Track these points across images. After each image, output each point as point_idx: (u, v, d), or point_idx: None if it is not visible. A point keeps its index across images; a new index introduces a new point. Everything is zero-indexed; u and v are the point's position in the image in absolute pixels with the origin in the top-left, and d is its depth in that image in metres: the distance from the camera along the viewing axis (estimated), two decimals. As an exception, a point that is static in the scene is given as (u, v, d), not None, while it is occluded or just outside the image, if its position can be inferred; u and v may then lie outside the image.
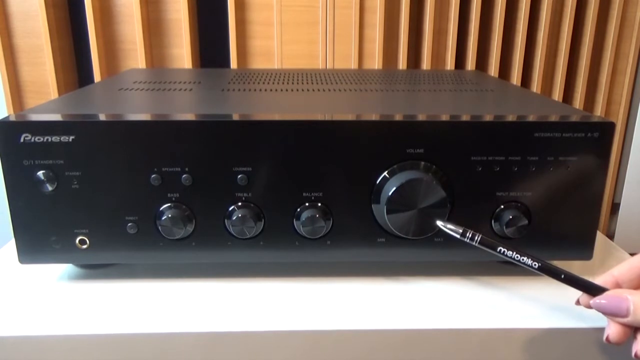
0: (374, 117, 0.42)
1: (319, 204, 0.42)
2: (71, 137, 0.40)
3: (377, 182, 0.42)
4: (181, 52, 0.89)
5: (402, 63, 0.91)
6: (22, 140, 0.39)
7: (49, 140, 0.40)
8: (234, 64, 0.89)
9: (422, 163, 0.41)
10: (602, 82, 0.96)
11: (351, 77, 0.68)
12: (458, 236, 0.40)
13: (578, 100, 0.96)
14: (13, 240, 0.42)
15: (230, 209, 0.42)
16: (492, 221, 0.43)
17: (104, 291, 0.44)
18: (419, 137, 0.41)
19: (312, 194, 0.42)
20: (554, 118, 0.42)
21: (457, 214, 0.42)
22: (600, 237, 0.52)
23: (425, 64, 0.91)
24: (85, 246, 0.42)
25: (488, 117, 0.42)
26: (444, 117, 0.42)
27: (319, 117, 0.41)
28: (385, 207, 0.40)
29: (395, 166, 0.41)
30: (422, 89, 0.59)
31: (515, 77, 0.93)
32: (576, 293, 0.39)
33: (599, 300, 0.36)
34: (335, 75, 0.69)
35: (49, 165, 0.40)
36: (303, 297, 0.43)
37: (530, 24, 0.92)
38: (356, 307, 0.42)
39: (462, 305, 0.42)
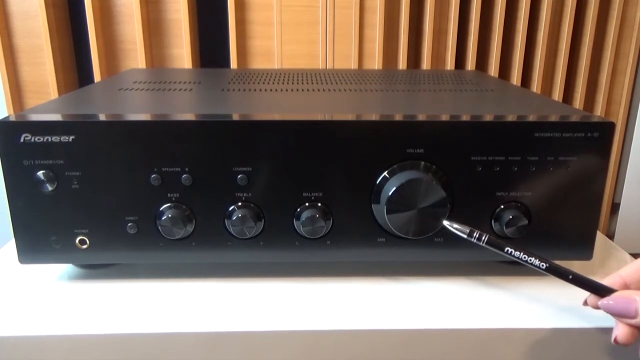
0: (374, 117, 0.42)
1: (319, 204, 0.42)
2: (71, 137, 0.40)
3: (377, 182, 0.42)
4: (181, 52, 0.89)
5: (402, 63, 0.91)
6: (22, 140, 0.39)
7: (49, 140, 0.40)
8: (234, 64, 0.89)
9: (422, 163, 0.41)
10: (602, 82, 0.96)
11: (351, 77, 0.68)
12: (465, 236, 0.40)
13: (578, 100, 0.96)
14: (13, 240, 0.42)
15: (230, 209, 0.42)
16: (492, 221, 0.43)
17: (104, 291, 0.44)
18: (419, 137, 0.41)
19: (312, 194, 0.42)
20: (554, 118, 0.42)
21: (457, 214, 0.42)
22: (600, 237, 0.52)
23: (425, 64, 0.91)
24: (85, 246, 0.42)
25: (488, 117, 0.42)
26: (444, 117, 0.42)
27: (319, 117, 0.41)
28: (385, 207, 0.40)
29: (395, 166, 0.41)
30: (422, 89, 0.59)
31: (515, 77, 0.93)
32: (582, 293, 0.38)
33: (607, 301, 0.36)
34: (335, 75, 0.69)
35: (49, 165, 0.40)
36: (303, 297, 0.43)
37: (530, 24, 0.92)
38: (356, 307, 0.42)
39: (462, 305, 0.42)
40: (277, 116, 0.41)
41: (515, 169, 0.42)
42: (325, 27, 0.89)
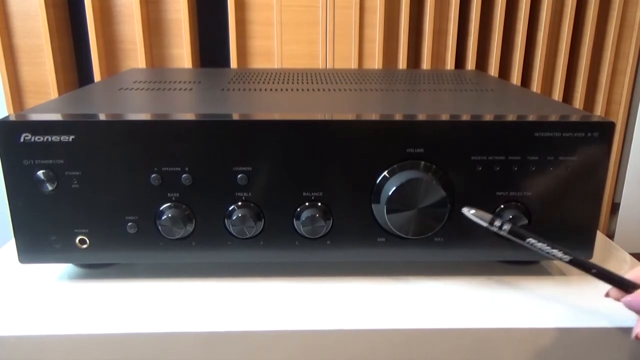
0: (374, 117, 0.42)
1: (319, 204, 0.42)
2: (71, 137, 0.40)
3: (377, 181, 0.42)
4: (181, 52, 0.89)
5: (402, 63, 0.91)
6: (22, 140, 0.39)
7: (49, 140, 0.40)
8: (234, 64, 0.89)
9: (422, 163, 0.41)
10: (602, 82, 0.96)
11: (351, 77, 0.68)
12: (485, 224, 0.38)
13: (578, 100, 0.96)
14: (13, 240, 0.42)
15: (230, 208, 0.42)
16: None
17: (104, 291, 0.44)
18: (419, 136, 0.41)
19: (312, 193, 0.42)
20: (554, 118, 0.42)
21: (457, 213, 0.42)
22: (600, 236, 0.52)
23: (425, 64, 0.91)
24: (85, 246, 0.42)
25: (488, 117, 0.42)
26: (444, 117, 0.42)
27: (319, 117, 0.41)
28: (385, 206, 0.40)
29: (395, 166, 0.41)
30: (422, 88, 0.59)
31: (515, 77, 0.93)
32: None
33: (630, 298, 0.35)
34: (335, 75, 0.69)
35: (49, 165, 0.40)
36: (303, 297, 0.43)
37: (530, 24, 0.92)
38: (356, 307, 0.42)
39: (462, 305, 0.42)
40: (277, 116, 0.41)
41: (515, 168, 0.42)
42: (325, 27, 0.89)
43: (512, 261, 0.47)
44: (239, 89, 0.56)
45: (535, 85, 0.94)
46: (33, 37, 0.86)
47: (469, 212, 0.39)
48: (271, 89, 0.56)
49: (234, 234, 0.42)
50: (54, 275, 0.46)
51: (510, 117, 0.42)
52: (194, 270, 0.46)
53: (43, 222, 0.41)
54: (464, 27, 0.92)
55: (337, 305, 0.42)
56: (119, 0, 0.87)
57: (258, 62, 0.91)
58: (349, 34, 0.89)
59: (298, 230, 0.43)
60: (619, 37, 0.94)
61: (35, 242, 0.42)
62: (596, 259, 0.46)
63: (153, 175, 0.41)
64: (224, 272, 0.46)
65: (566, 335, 0.40)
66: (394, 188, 0.40)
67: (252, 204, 0.42)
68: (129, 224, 0.42)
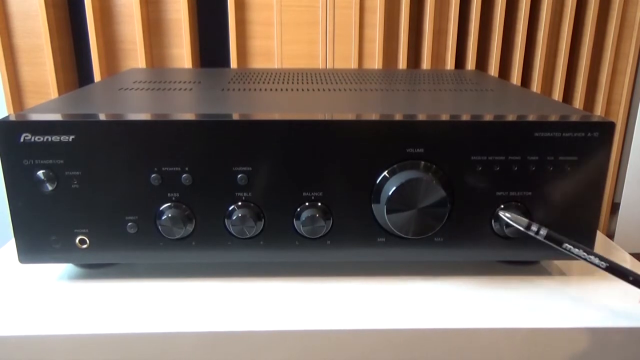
0: (374, 117, 0.42)
1: (319, 204, 0.42)
2: (71, 137, 0.40)
3: (377, 181, 0.42)
4: (181, 52, 0.89)
5: (402, 63, 0.91)
6: (22, 140, 0.39)
7: (49, 140, 0.40)
8: (234, 64, 0.89)
9: (422, 163, 0.41)
10: (602, 82, 0.96)
11: (351, 77, 0.68)
12: (522, 228, 0.39)
13: (578, 100, 0.96)
14: (13, 240, 0.42)
15: (230, 208, 0.42)
16: (492, 221, 0.43)
17: (104, 291, 0.44)
18: (419, 136, 0.41)
19: (312, 193, 0.42)
20: (554, 118, 0.42)
21: (457, 213, 0.43)
22: (600, 236, 0.52)
23: (425, 64, 0.91)
24: (85, 246, 0.42)
25: (488, 117, 0.42)
26: (444, 117, 0.42)
27: (319, 117, 0.41)
28: (385, 206, 0.40)
29: (395, 166, 0.41)
30: (422, 88, 0.59)
31: (515, 77, 0.93)
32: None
33: None
34: (335, 75, 0.69)
35: (49, 165, 0.40)
36: (303, 297, 0.43)
37: (530, 24, 0.92)
38: (356, 307, 0.42)
39: (462, 305, 0.42)
40: (277, 116, 0.41)
41: (515, 168, 0.42)
42: (325, 27, 0.89)
43: (512, 261, 0.47)
44: (239, 89, 0.56)
45: (535, 85, 0.94)
46: (33, 37, 0.86)
47: (505, 215, 0.40)
48: (271, 89, 0.56)
49: (234, 234, 0.42)
50: (54, 275, 0.46)
51: (510, 117, 0.42)
52: (194, 270, 0.46)
53: (43, 222, 0.41)
54: (464, 27, 0.92)
55: (337, 305, 0.42)
56: (119, 0, 0.87)
57: (258, 62, 0.91)
58: (349, 34, 0.89)
59: (298, 230, 0.43)
60: (619, 37, 0.94)
61: (35, 242, 0.42)
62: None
63: (153, 175, 0.41)
64: (224, 272, 0.46)
65: (566, 336, 0.40)
66: (394, 188, 0.40)
67: (252, 204, 0.42)
68: (129, 224, 0.42)
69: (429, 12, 0.88)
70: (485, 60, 0.94)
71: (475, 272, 0.47)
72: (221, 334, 0.39)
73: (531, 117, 0.42)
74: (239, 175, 0.41)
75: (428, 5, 0.88)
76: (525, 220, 0.39)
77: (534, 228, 0.38)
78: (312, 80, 0.64)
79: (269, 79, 0.64)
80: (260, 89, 0.56)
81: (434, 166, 0.41)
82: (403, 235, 0.41)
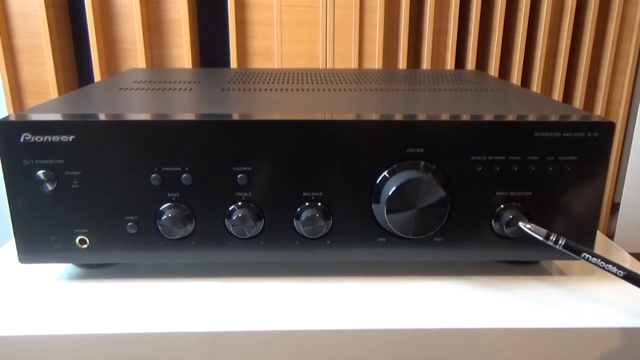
0: (374, 117, 0.42)
1: (319, 204, 0.42)
2: (71, 137, 0.40)
3: (377, 181, 0.42)
4: (181, 52, 0.89)
5: (402, 63, 0.91)
6: (22, 140, 0.39)
7: (49, 140, 0.40)
8: (234, 64, 0.89)
9: (422, 163, 0.41)
10: (602, 82, 0.96)
11: (351, 77, 0.68)
12: (541, 238, 0.40)
13: (578, 100, 0.96)
14: (13, 240, 0.42)
15: (230, 208, 0.42)
16: (492, 221, 0.43)
17: (104, 291, 0.44)
18: (419, 136, 0.41)
19: (312, 193, 0.42)
20: (554, 118, 0.42)
21: (457, 213, 0.43)
22: (600, 237, 0.52)
23: (425, 64, 0.91)
24: (85, 246, 0.42)
25: (488, 117, 0.42)
26: (444, 117, 0.42)
27: (319, 117, 0.41)
28: (385, 206, 0.40)
29: (395, 166, 0.41)
30: (422, 88, 0.59)
31: (515, 77, 0.93)
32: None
33: None
34: (335, 75, 0.69)
35: (49, 165, 0.40)
36: (303, 297, 0.43)
37: (530, 24, 0.92)
38: (356, 307, 0.42)
39: (462, 305, 0.42)
40: (277, 116, 0.41)
41: (515, 168, 0.42)
42: (325, 27, 0.89)
43: (512, 261, 0.47)
44: (239, 89, 0.56)
45: (535, 85, 0.94)
46: (33, 37, 0.86)
47: (525, 227, 0.41)
48: (271, 89, 0.56)
49: (234, 234, 0.42)
50: (54, 275, 0.46)
51: (510, 117, 0.42)
52: (194, 270, 0.46)
53: (43, 222, 0.41)
54: (464, 27, 0.92)
55: (337, 305, 0.42)
56: (119, 0, 0.87)
57: (258, 62, 0.91)
58: (349, 34, 0.89)
59: (298, 230, 0.43)
60: (619, 37, 0.94)
61: (35, 242, 0.42)
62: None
63: (153, 175, 0.41)
64: (224, 272, 0.46)
65: (566, 336, 0.40)
66: (394, 188, 0.40)
67: (252, 204, 0.42)
68: (129, 224, 0.42)
69: (429, 12, 0.88)
70: (485, 60, 0.94)
71: (475, 272, 0.47)
72: (221, 334, 0.39)
73: (531, 117, 0.42)
74: (239, 175, 0.41)
75: (428, 5, 0.88)
76: (544, 231, 0.40)
77: (553, 238, 0.40)
78: (312, 80, 0.64)
79: (269, 79, 0.64)
80: (260, 89, 0.56)
81: (434, 166, 0.41)
82: (403, 235, 0.41)
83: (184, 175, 0.41)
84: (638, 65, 0.96)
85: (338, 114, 0.43)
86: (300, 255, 0.44)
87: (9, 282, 0.45)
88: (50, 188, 0.41)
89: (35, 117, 0.40)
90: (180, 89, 0.55)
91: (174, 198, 0.42)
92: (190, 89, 0.55)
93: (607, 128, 0.41)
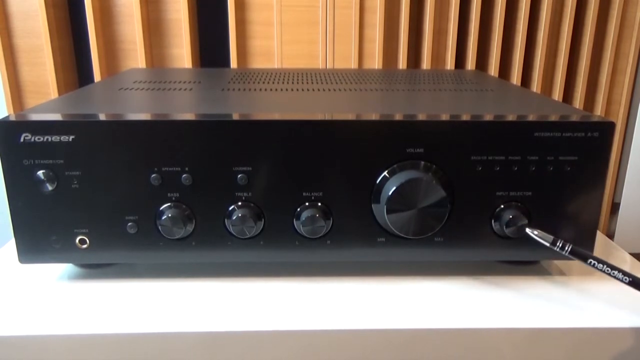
0: (374, 116, 0.42)
1: (319, 204, 0.42)
2: (71, 137, 0.40)
3: (377, 181, 0.42)
4: (181, 52, 0.89)
5: (402, 63, 0.91)
6: (22, 140, 0.39)
7: (49, 140, 0.40)
8: (234, 63, 0.89)
9: (422, 163, 0.41)
10: (602, 82, 0.96)
11: (351, 77, 0.68)
12: (548, 244, 0.40)
13: (578, 100, 0.96)
14: (13, 240, 0.42)
15: (230, 208, 0.42)
16: (492, 221, 0.43)
17: (104, 291, 0.44)
18: (419, 136, 0.41)
19: (312, 193, 0.42)
20: (554, 118, 0.42)
21: (457, 213, 0.43)
22: (600, 237, 0.52)
23: (425, 64, 0.91)
24: (85, 246, 0.42)
25: (488, 117, 0.42)
26: (444, 117, 0.42)
27: (319, 117, 0.41)
28: (385, 206, 0.40)
29: (395, 166, 0.41)
30: (422, 88, 0.59)
31: (515, 77, 0.93)
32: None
33: None
34: (335, 75, 0.69)
35: (49, 165, 0.40)
36: (303, 297, 0.43)
37: (530, 24, 0.92)
38: (356, 307, 0.42)
39: (462, 305, 0.42)
40: (277, 116, 0.41)
41: (515, 168, 0.42)
42: (325, 27, 0.89)
43: (512, 261, 0.47)
44: (239, 89, 0.56)
45: (535, 85, 0.94)
46: (33, 37, 0.86)
47: (532, 232, 0.41)
48: (271, 89, 0.56)
49: (234, 234, 0.42)
50: (54, 275, 0.46)
51: (510, 117, 0.42)
52: (194, 270, 0.46)
53: (43, 222, 0.41)
54: (464, 27, 0.92)
55: (337, 305, 0.42)
56: (119, 0, 0.87)
57: (258, 62, 0.91)
58: (349, 34, 0.89)
59: (298, 230, 0.43)
60: (619, 37, 0.94)
61: (35, 242, 0.42)
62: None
63: (153, 175, 0.41)
64: (224, 272, 0.46)
65: (566, 335, 0.40)
66: (394, 188, 0.40)
67: (252, 204, 0.42)
68: (129, 224, 0.42)
69: (429, 12, 0.88)
70: (485, 60, 0.94)
71: (475, 272, 0.47)
72: (221, 334, 0.39)
73: (531, 117, 0.42)
74: (239, 175, 0.41)
75: (428, 5, 0.88)
76: (550, 237, 0.41)
77: (560, 244, 0.40)
78: (312, 80, 0.64)
79: (269, 79, 0.64)
80: (260, 89, 0.56)
81: (434, 166, 0.41)
82: (403, 235, 0.41)
83: (184, 175, 0.41)
84: (638, 65, 0.96)
85: (338, 114, 0.43)
86: (300, 255, 0.44)
87: (9, 282, 0.45)
88: (50, 188, 0.41)
89: (35, 117, 0.40)
90: (180, 89, 0.55)
91: (174, 198, 0.42)
92: (190, 89, 0.55)
93: (607, 128, 0.41)
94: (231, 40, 0.88)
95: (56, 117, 0.41)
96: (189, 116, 0.41)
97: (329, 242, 0.43)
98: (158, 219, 0.42)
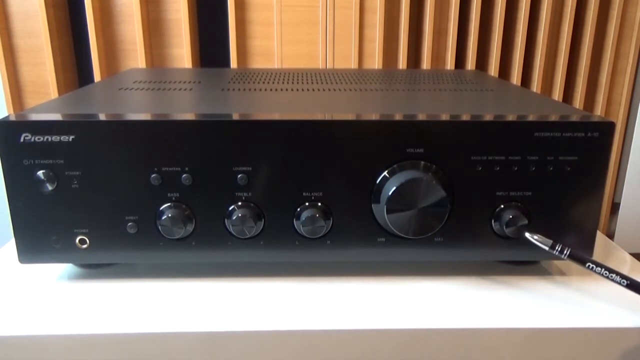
0: (374, 116, 0.42)
1: (319, 204, 0.42)
2: (71, 137, 0.40)
3: (377, 181, 0.42)
4: (181, 52, 0.89)
5: (402, 63, 0.91)
6: (22, 140, 0.39)
7: (49, 140, 0.40)
8: (234, 63, 0.89)
9: (422, 163, 0.41)
10: (602, 82, 0.96)
11: (351, 77, 0.68)
12: (547, 248, 0.41)
13: (578, 100, 0.96)
14: (13, 240, 0.42)
15: (230, 208, 0.42)
16: (492, 221, 0.43)
17: (104, 291, 0.44)
18: (419, 136, 0.41)
19: (312, 193, 0.42)
20: (554, 118, 0.42)
21: (457, 214, 0.43)
22: (600, 237, 0.52)
23: (425, 64, 0.91)
24: (85, 246, 0.42)
25: (488, 117, 0.42)
26: (444, 117, 0.42)
27: (319, 117, 0.41)
28: (385, 206, 0.40)
29: (395, 166, 0.41)
30: (422, 88, 0.59)
31: (515, 77, 0.93)
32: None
33: None
34: (335, 75, 0.69)
35: (49, 165, 0.40)
36: (303, 297, 0.43)
37: (530, 24, 0.92)
38: (356, 307, 0.42)
39: (462, 305, 0.42)
40: (277, 116, 0.41)
41: (515, 168, 0.42)
42: (325, 27, 0.89)
43: (512, 261, 0.47)
44: (239, 89, 0.56)
45: (535, 85, 0.94)
46: (33, 37, 0.86)
47: (531, 237, 0.42)
48: (271, 89, 0.56)
49: (234, 234, 0.42)
50: (54, 275, 0.46)
51: (510, 117, 0.42)
52: (194, 270, 0.46)
53: (43, 222, 0.41)
54: (464, 27, 0.92)
55: (337, 305, 0.42)
56: (119, 0, 0.87)
57: (258, 62, 0.91)
58: (349, 34, 0.89)
59: (298, 230, 0.43)
60: (619, 37, 0.94)
61: (35, 242, 0.42)
62: (596, 259, 0.47)
63: (153, 175, 0.41)
64: (224, 272, 0.46)
65: (566, 335, 0.40)
66: (394, 188, 0.40)
67: (252, 204, 0.42)
68: (129, 224, 0.42)
69: (429, 12, 0.88)
70: (485, 60, 0.94)
71: (475, 272, 0.47)
72: (221, 334, 0.39)
73: (531, 117, 0.42)
74: (239, 175, 0.41)
75: (428, 5, 0.88)
76: (549, 241, 0.41)
77: (558, 248, 0.40)
78: (312, 80, 0.64)
79: (269, 79, 0.64)
80: (260, 89, 0.56)
81: (434, 166, 0.41)
82: (403, 235, 0.41)
83: (184, 175, 0.41)
84: (638, 65, 0.96)
85: (338, 114, 0.43)
86: (300, 255, 0.44)
87: (9, 282, 0.45)
88: (50, 188, 0.41)
89: (35, 117, 0.40)
90: (180, 89, 0.55)
91: (174, 198, 0.42)
92: (190, 89, 0.55)
93: (607, 128, 0.41)
94: (231, 40, 0.88)
95: (56, 117, 0.41)
96: (189, 116, 0.41)
97: (329, 242, 0.43)
98: (158, 219, 0.42)
